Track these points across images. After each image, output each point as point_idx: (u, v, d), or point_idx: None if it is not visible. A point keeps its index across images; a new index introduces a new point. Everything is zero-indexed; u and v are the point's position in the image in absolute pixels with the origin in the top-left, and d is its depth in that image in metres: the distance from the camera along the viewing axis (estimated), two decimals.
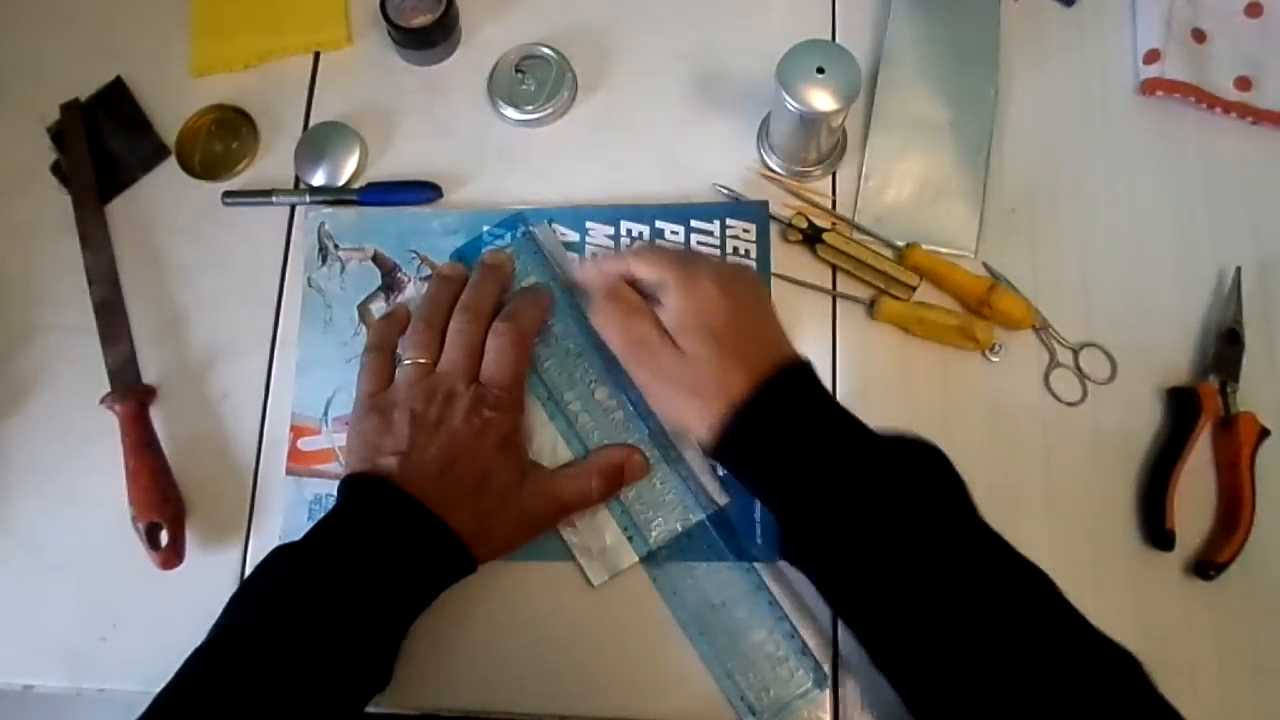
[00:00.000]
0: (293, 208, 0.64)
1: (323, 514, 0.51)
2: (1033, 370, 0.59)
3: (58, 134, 0.66)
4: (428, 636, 0.53)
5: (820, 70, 0.54)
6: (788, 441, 0.48)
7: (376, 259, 0.62)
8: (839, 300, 0.60)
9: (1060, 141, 0.63)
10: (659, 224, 0.61)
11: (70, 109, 0.66)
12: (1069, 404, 0.58)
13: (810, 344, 0.59)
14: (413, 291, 0.61)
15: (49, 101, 0.67)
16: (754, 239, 0.60)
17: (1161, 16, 0.64)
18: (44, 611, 0.57)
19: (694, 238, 0.60)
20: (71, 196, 0.64)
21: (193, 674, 0.46)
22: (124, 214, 0.65)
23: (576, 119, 0.65)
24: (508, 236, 0.60)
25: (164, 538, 0.56)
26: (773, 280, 0.59)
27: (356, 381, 0.56)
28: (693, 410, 0.49)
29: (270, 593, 0.48)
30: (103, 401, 0.59)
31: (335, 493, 0.53)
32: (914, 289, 0.59)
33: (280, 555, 0.49)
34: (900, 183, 0.62)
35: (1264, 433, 0.55)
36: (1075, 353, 0.58)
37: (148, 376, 0.61)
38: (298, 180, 0.64)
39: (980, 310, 0.59)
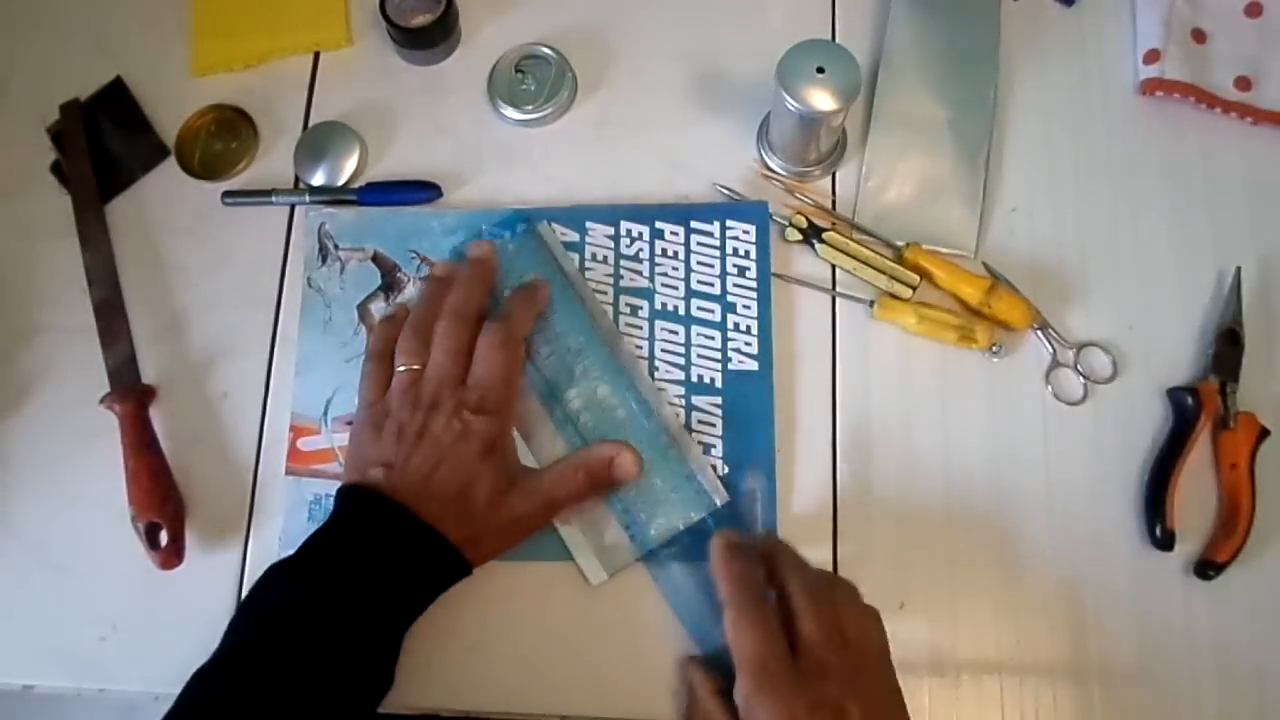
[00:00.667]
0: (292, 207, 0.64)
1: (322, 514, 0.51)
2: (1033, 370, 0.59)
3: (58, 134, 0.66)
4: (428, 637, 0.53)
5: (820, 70, 0.54)
6: None
7: (376, 259, 0.62)
8: (839, 300, 0.60)
9: (1060, 141, 0.63)
10: (659, 224, 0.61)
11: (70, 109, 0.66)
12: (1069, 404, 0.58)
13: (810, 344, 0.59)
14: (412, 291, 0.61)
15: (49, 101, 0.67)
16: (754, 239, 0.60)
17: (1161, 17, 0.64)
18: (44, 611, 0.57)
19: (694, 238, 0.60)
20: (71, 196, 0.64)
21: (196, 695, 0.46)
22: (124, 214, 0.65)
23: (576, 119, 0.65)
24: (508, 235, 0.60)
25: (164, 538, 0.56)
26: (773, 280, 0.59)
27: (359, 389, 0.56)
28: None
29: (268, 609, 0.48)
30: (102, 401, 0.59)
31: (334, 493, 0.53)
32: (914, 289, 0.59)
33: (275, 571, 0.49)
34: (900, 182, 0.62)
35: (1264, 433, 0.55)
36: (1075, 353, 0.58)
37: (147, 376, 0.61)
38: (297, 180, 0.64)
39: (980, 310, 0.58)
